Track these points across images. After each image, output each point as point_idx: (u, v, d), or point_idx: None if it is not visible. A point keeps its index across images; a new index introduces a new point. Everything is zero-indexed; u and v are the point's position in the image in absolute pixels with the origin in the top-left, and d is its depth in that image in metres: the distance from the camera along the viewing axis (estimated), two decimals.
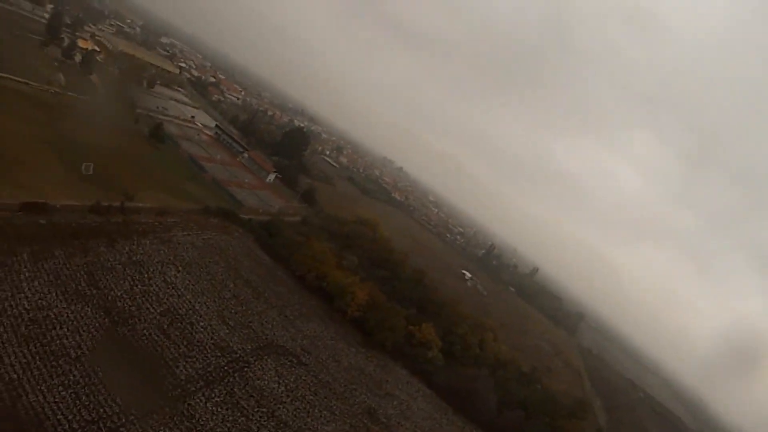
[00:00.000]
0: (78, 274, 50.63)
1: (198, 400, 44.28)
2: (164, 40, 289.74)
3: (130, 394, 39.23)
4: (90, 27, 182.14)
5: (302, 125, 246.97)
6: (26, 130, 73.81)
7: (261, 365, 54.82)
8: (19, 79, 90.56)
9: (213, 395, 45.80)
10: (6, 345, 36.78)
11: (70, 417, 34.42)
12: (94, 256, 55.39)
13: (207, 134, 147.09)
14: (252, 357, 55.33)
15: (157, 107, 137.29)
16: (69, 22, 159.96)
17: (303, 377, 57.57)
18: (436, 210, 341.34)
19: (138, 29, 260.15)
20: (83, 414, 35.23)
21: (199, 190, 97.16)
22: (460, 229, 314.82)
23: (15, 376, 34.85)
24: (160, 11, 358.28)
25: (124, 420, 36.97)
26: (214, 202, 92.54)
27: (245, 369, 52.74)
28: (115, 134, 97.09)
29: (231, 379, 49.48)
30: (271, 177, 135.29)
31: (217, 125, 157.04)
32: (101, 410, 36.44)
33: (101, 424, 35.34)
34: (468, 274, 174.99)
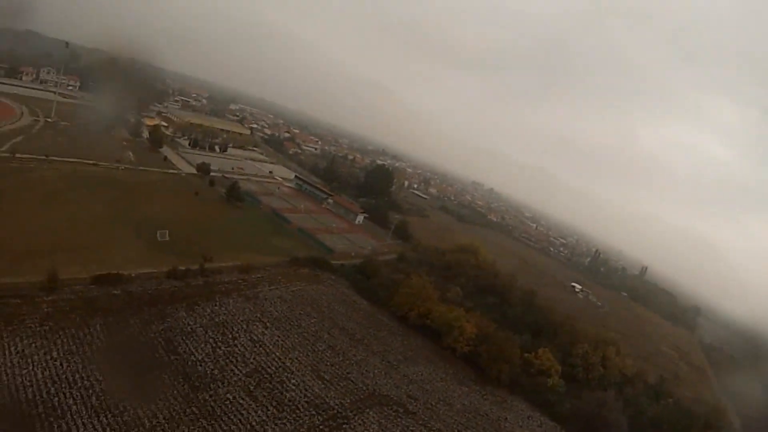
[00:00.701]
0: (155, 341, 53.25)
1: None
2: (233, 106, 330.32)
3: None
4: (156, 106, 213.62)
5: (385, 163, 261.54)
6: (98, 209, 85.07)
7: (362, 419, 54.98)
8: (88, 161, 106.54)
9: None
10: (75, 417, 38.47)
11: None
12: (172, 322, 58.24)
13: (288, 186, 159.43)
14: (351, 411, 55.53)
15: (233, 168, 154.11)
16: (133, 104, 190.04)
17: (411, 428, 57.26)
18: (534, 225, 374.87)
19: (204, 101, 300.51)
20: None
21: (285, 242, 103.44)
22: (562, 240, 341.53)
23: None
24: (224, 82, 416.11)
25: None
26: (303, 252, 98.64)
27: (344, 426, 52.13)
28: (190, 200, 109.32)
29: None
30: (360, 218, 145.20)
31: (296, 176, 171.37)
32: None
33: None
34: (578, 286, 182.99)
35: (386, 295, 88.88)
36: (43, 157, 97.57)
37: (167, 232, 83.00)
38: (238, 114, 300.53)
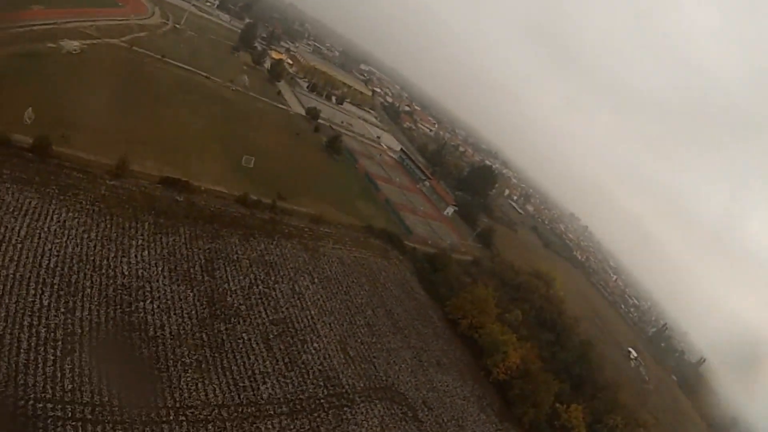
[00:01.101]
0: (196, 257, 52.33)
1: (269, 427, 41.35)
2: (363, 66, 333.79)
3: (191, 394, 38.75)
4: (287, 44, 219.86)
5: (492, 165, 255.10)
6: (195, 118, 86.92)
7: (366, 409, 52.39)
8: (202, 73, 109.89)
9: (290, 427, 43.31)
10: (86, 300, 38.16)
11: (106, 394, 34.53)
12: (221, 244, 57.01)
13: (390, 156, 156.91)
14: (359, 397, 53.09)
15: (342, 122, 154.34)
16: (265, 35, 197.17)
17: None
18: (615, 276, 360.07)
19: (337, 53, 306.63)
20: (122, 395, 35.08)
21: (367, 208, 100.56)
22: (635, 301, 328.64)
23: (79, 330, 36.14)
24: (363, 42, 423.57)
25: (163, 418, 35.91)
26: (381, 223, 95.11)
27: (345, 408, 49.40)
28: (289, 138, 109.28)
29: (321, 416, 47.00)
30: (450, 210, 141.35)
31: (402, 149, 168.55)
32: (146, 399, 36.28)
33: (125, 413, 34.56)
34: (633, 353, 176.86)
35: (446, 293, 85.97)
36: (159, 57, 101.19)
37: (253, 159, 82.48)
38: (366, 75, 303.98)
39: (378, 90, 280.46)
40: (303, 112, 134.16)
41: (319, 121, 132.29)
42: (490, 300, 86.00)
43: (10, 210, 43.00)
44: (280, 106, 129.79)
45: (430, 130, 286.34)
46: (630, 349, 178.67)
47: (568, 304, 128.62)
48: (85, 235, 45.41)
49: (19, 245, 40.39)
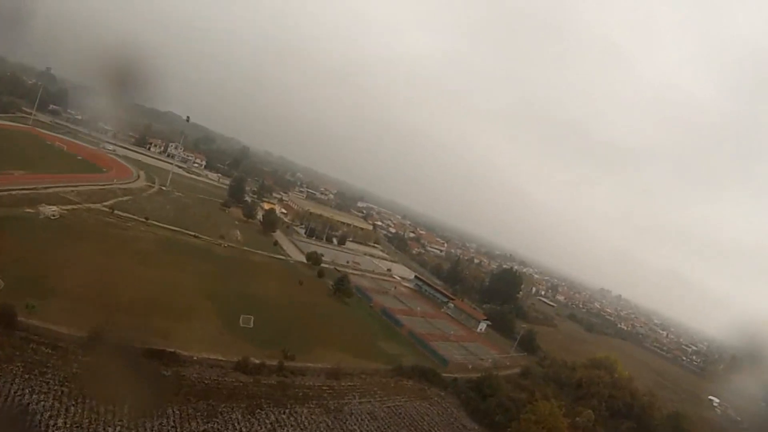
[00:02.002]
0: None
1: None
2: (360, 204, 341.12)
3: None
4: (279, 194, 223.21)
5: (512, 267, 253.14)
6: (184, 278, 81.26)
7: None
8: (189, 233, 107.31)
9: None
10: None
11: None
12: (220, 424, 47.37)
13: (405, 286, 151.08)
14: None
15: (347, 262, 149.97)
16: (255, 189, 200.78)
17: None
18: (665, 332, 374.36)
19: (332, 196, 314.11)
20: None
21: (392, 347, 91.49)
22: (694, 347, 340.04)
23: None
24: (356, 181, 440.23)
25: None
26: (411, 360, 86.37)
27: None
28: (292, 288, 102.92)
29: None
30: (482, 326, 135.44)
31: (416, 276, 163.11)
32: None
33: None
34: (716, 400, 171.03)
35: (505, 418, 75.65)
36: (143, 219, 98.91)
37: (252, 318, 75.11)
38: (364, 211, 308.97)
39: (379, 223, 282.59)
40: (304, 259, 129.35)
41: (323, 265, 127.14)
42: (557, 413, 76.57)
43: None
44: (278, 256, 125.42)
45: (440, 251, 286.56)
46: (711, 397, 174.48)
47: (637, 382, 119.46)
48: (51, 422, 38.32)
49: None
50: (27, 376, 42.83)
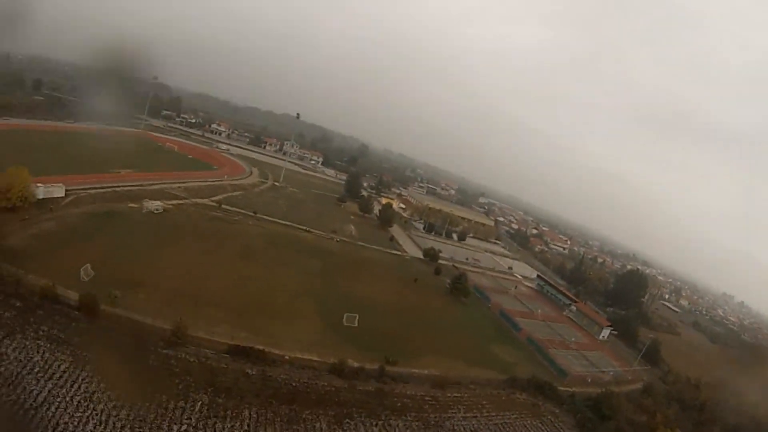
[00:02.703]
0: None
1: None
2: (482, 200, 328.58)
3: None
4: (398, 189, 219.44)
5: (638, 268, 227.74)
6: (289, 274, 78.93)
7: None
8: (301, 227, 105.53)
9: None
10: None
11: None
12: None
13: (527, 286, 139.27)
14: None
15: (467, 259, 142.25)
16: (374, 184, 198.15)
17: None
18: None
19: (453, 191, 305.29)
20: None
21: (507, 353, 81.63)
22: None
23: None
24: (477, 178, 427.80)
25: None
26: (527, 370, 76.30)
27: None
28: (406, 286, 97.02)
29: None
30: (605, 333, 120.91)
31: (538, 276, 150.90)
32: None
33: None
34: None
35: None
36: (251, 214, 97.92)
37: (357, 317, 70.01)
38: (485, 207, 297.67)
39: (501, 219, 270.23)
40: (420, 255, 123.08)
41: (440, 261, 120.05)
42: None
43: (35, 371, 38.54)
44: (393, 252, 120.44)
45: (563, 248, 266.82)
46: None
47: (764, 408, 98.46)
48: (113, 413, 36.45)
49: (32, 412, 34.61)
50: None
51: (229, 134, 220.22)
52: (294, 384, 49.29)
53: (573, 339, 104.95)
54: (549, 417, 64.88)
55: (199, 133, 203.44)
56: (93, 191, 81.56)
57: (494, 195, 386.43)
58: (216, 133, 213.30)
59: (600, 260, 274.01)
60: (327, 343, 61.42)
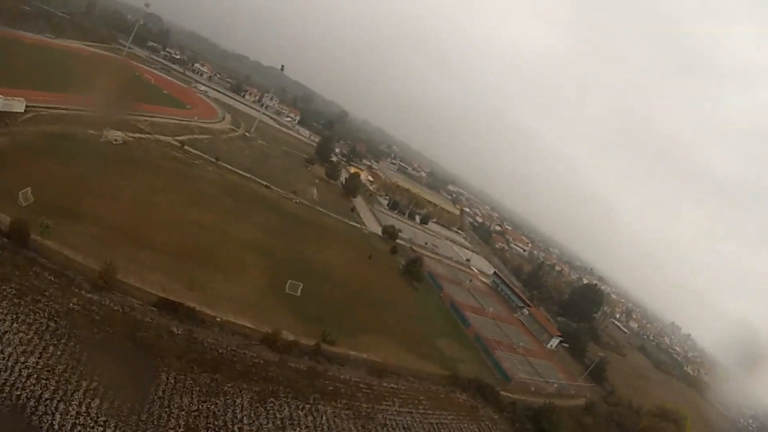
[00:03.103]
0: (172, 423, 34.37)
1: None
2: (451, 187, 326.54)
3: None
4: (369, 162, 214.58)
5: (595, 283, 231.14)
6: (243, 232, 73.48)
7: None
8: (261, 182, 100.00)
9: None
10: None
11: None
12: (219, 407, 38.05)
13: (482, 281, 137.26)
14: None
15: (426, 243, 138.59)
16: (345, 151, 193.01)
17: None
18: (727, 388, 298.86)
19: (424, 174, 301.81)
20: None
21: (453, 349, 78.60)
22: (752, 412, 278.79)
23: None
24: (451, 166, 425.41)
25: None
26: (470, 369, 73.30)
27: None
28: (358, 261, 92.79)
29: None
30: (554, 342, 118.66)
31: (495, 272, 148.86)
32: None
33: None
34: None
35: None
36: (213, 160, 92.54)
37: (301, 285, 65.20)
38: (453, 195, 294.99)
39: (467, 209, 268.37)
40: (380, 231, 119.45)
41: (398, 241, 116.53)
42: None
43: None
44: (352, 223, 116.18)
45: (524, 250, 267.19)
46: None
47: None
48: (21, 359, 32.21)
49: None
50: (16, 301, 36.72)
51: (210, 76, 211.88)
52: (220, 351, 44.70)
53: (521, 343, 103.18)
54: (487, 422, 61.99)
55: (181, 70, 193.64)
56: (55, 111, 75.06)
57: (464, 185, 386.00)
58: (198, 73, 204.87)
59: (558, 268, 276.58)
60: (266, 307, 57.01)
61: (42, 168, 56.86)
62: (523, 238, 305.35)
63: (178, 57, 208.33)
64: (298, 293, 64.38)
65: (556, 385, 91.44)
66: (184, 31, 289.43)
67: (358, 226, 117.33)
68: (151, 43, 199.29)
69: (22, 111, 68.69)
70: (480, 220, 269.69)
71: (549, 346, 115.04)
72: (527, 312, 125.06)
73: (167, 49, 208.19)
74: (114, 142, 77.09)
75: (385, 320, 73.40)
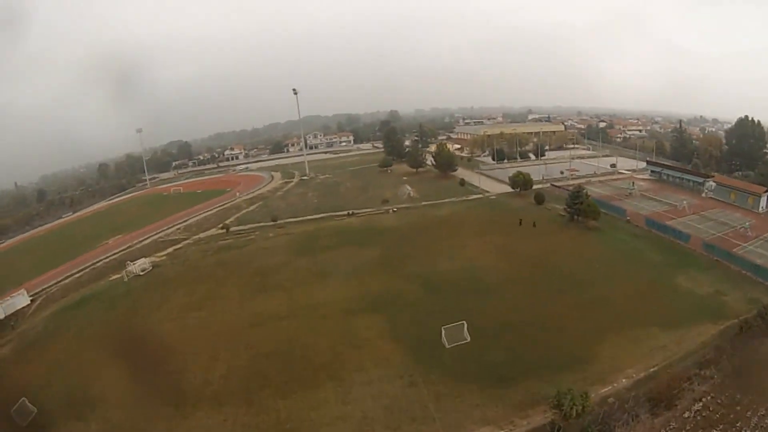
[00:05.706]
0: None
1: None
2: (531, 116, 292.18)
3: None
4: (445, 135, 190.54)
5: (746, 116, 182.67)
6: (332, 296, 49.01)
7: None
8: (341, 213, 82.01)
9: None
10: None
11: None
12: None
13: (643, 179, 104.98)
14: None
15: (561, 173, 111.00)
16: (417, 137, 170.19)
17: None
18: None
19: (500, 119, 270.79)
20: None
21: (697, 281, 49.06)
22: None
23: None
24: (518, 103, 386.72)
25: None
26: (738, 297, 45.25)
27: None
28: (510, 236, 65.47)
29: None
30: (764, 201, 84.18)
31: (648, 161, 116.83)
32: None
33: None
34: None
35: None
36: (270, 224, 75.14)
37: (465, 325, 38.73)
38: (543, 118, 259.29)
39: (565, 123, 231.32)
40: (507, 188, 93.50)
41: (535, 187, 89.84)
42: None
43: None
44: (472, 197, 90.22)
45: (640, 131, 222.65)
46: None
47: None
48: None
49: None
50: None
51: (246, 154, 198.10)
52: None
53: (747, 224, 69.50)
54: None
55: (213, 166, 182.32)
56: (67, 280, 63.63)
57: (540, 111, 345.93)
58: (232, 159, 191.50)
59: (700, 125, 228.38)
60: (427, 395, 31.44)
61: (44, 361, 40.98)
62: (630, 120, 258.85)
63: (207, 157, 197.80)
64: (466, 337, 38.29)
65: None
66: (205, 138, 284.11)
67: (480, 195, 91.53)
68: (174, 163, 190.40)
69: (28, 303, 58.64)
70: (581, 126, 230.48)
71: (760, 209, 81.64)
72: (713, 185, 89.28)
73: (193, 159, 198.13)
74: (141, 273, 61.47)
75: (598, 307, 43.53)
